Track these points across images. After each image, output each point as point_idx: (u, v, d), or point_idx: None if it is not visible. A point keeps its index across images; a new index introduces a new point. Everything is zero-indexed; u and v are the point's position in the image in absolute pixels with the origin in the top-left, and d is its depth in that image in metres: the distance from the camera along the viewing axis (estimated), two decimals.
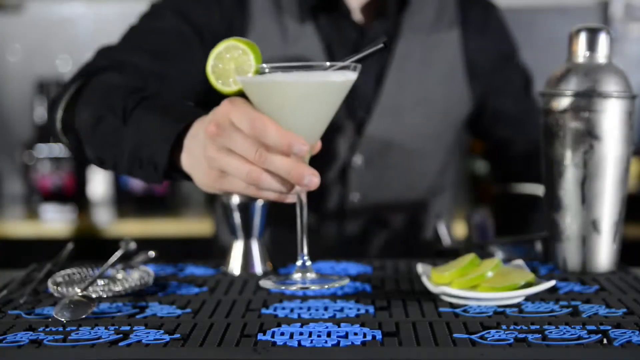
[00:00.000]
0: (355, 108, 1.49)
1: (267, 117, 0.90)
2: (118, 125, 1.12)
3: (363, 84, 1.46)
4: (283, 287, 0.93)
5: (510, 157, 1.68)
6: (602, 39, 1.15)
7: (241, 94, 0.94)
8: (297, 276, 0.96)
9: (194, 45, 1.41)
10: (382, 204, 1.56)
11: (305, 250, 0.96)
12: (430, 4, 1.54)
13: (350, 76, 0.94)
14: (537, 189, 1.56)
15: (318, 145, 0.98)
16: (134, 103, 1.12)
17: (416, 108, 1.52)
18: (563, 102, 1.14)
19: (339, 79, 0.92)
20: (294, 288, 0.93)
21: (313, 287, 0.93)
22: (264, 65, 0.91)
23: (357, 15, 1.52)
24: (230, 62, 0.94)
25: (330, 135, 1.30)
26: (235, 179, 0.94)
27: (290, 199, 0.95)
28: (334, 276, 0.98)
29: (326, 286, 0.92)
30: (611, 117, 1.12)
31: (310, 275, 0.96)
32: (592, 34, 1.15)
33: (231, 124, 0.91)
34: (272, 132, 0.89)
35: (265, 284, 0.95)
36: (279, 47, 1.46)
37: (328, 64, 0.92)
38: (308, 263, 0.96)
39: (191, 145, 1.02)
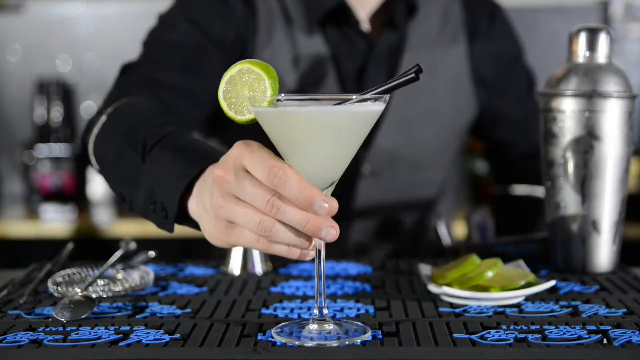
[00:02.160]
0: None
1: (288, 166, 0.81)
2: (137, 163, 1.06)
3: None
4: (297, 343, 0.84)
5: (511, 158, 1.67)
6: (602, 39, 1.15)
7: (255, 123, 0.87)
8: (314, 327, 0.88)
9: (213, 57, 1.40)
10: (387, 211, 1.56)
11: (323, 299, 0.88)
12: (436, 11, 1.53)
13: (377, 107, 0.85)
14: (538, 191, 1.56)
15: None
16: (155, 139, 1.05)
17: (424, 120, 1.52)
18: (563, 102, 1.14)
19: (365, 111, 0.84)
20: (310, 345, 0.84)
21: (331, 344, 0.84)
22: (281, 95, 0.84)
23: (365, 25, 1.51)
24: (243, 87, 0.86)
25: None
26: (245, 230, 0.85)
27: (308, 256, 0.88)
28: (354, 324, 0.90)
29: (346, 342, 0.84)
30: (611, 117, 1.12)
31: (329, 327, 0.87)
32: (592, 34, 1.15)
33: (242, 169, 0.83)
34: (294, 184, 0.81)
35: (279, 335, 0.87)
36: (288, 58, 1.45)
37: (354, 96, 0.83)
38: (325, 311, 0.88)
39: (201, 192, 0.93)
